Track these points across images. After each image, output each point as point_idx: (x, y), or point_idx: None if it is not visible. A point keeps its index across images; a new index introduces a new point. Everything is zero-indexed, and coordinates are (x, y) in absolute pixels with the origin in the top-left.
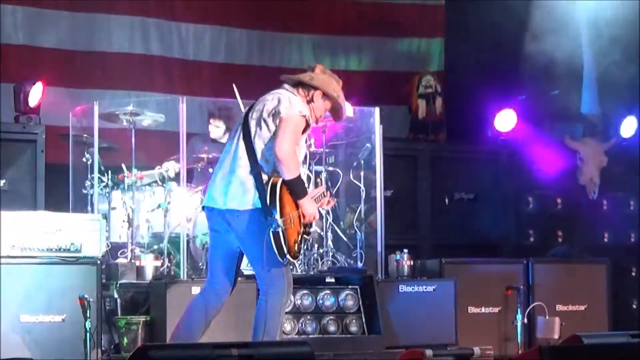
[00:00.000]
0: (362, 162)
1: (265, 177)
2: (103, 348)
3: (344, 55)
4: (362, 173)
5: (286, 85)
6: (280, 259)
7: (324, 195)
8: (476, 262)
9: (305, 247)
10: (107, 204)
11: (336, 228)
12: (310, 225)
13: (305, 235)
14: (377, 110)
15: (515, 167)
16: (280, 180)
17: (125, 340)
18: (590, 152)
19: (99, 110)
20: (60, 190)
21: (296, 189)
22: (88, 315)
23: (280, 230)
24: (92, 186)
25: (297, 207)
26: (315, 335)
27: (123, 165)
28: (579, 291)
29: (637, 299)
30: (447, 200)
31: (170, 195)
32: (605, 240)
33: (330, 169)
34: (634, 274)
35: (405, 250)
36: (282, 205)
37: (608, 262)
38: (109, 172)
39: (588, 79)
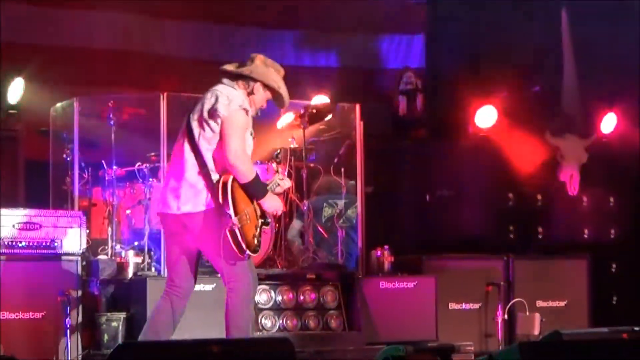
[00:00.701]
0: (343, 158)
1: (215, 177)
2: (83, 344)
3: (325, 52)
4: (342, 170)
5: (225, 80)
6: (240, 255)
7: (281, 179)
8: (457, 258)
9: (286, 243)
10: (88, 201)
11: (317, 225)
12: (266, 215)
13: (264, 226)
14: (357, 107)
15: (496, 163)
16: (231, 177)
17: (106, 336)
18: (570, 149)
19: (79, 106)
20: (40, 186)
21: (253, 191)
22: (68, 311)
23: (236, 228)
24: (72, 182)
25: (252, 201)
26: (295, 332)
27: (103, 162)
28: (559, 287)
29: (617, 294)
30: (428, 197)
31: (150, 191)
32: (586, 236)
33: (311, 165)
34: (614, 269)
35: (386, 247)
36: (235, 203)
37: (588, 258)
38: (89, 168)
39: (568, 75)
